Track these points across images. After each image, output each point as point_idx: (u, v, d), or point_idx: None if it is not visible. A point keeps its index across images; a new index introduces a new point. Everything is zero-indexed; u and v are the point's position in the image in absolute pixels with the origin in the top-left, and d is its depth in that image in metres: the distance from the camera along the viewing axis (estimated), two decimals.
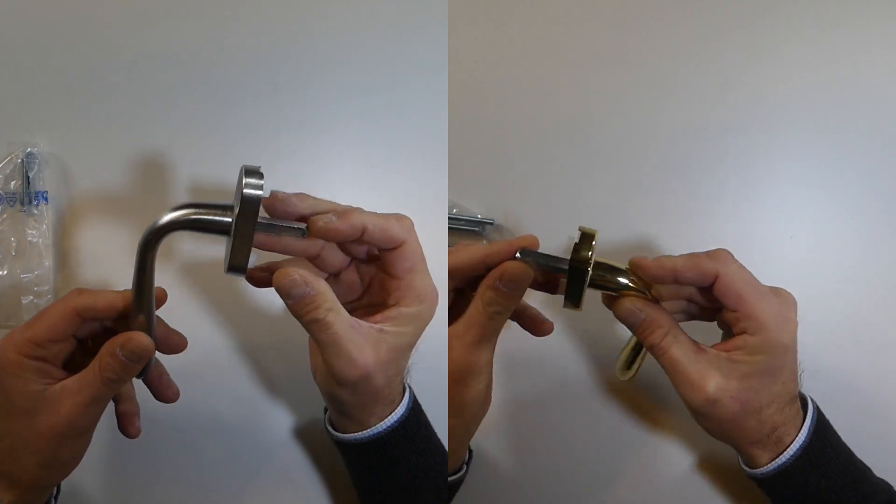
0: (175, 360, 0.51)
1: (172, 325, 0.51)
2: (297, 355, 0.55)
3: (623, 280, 0.49)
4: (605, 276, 0.48)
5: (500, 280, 0.48)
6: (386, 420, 0.50)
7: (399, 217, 0.48)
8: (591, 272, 0.47)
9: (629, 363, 0.54)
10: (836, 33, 0.61)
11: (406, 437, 0.51)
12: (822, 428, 0.51)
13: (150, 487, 0.60)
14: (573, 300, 0.48)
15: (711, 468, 0.60)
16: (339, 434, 0.52)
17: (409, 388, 0.52)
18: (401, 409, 0.50)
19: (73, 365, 0.48)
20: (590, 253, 0.47)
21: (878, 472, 0.52)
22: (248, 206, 0.44)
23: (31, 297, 0.60)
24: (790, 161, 0.61)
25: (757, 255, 0.60)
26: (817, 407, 0.51)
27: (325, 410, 0.55)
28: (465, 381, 0.50)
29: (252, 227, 0.45)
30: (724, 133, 0.61)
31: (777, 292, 0.49)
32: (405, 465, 0.52)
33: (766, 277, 0.60)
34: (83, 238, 0.61)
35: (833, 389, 0.55)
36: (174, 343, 0.51)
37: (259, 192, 0.45)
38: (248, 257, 0.45)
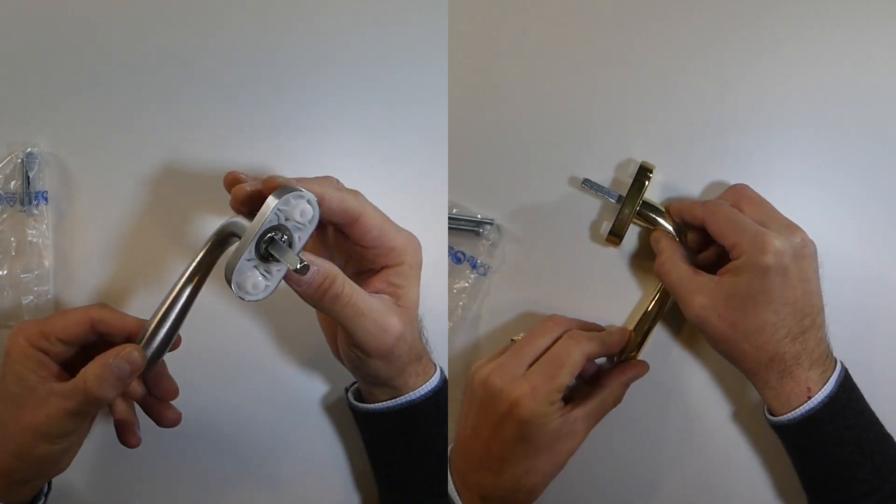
0: (192, 340, 0.51)
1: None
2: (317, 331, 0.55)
3: (659, 218, 0.58)
4: (647, 213, 0.58)
5: (631, 379, 0.58)
6: (421, 388, 0.52)
7: (353, 192, 0.49)
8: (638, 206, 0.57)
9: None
10: (836, 33, 0.61)
11: (438, 408, 0.53)
12: (850, 384, 0.54)
13: (163, 470, 0.60)
14: (619, 227, 0.58)
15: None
16: (366, 405, 0.53)
17: (438, 365, 0.54)
18: (435, 380, 0.53)
19: (74, 368, 0.48)
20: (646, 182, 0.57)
21: None
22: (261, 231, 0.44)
23: (31, 297, 0.60)
24: (790, 161, 0.61)
25: None
26: (846, 368, 0.54)
27: (347, 390, 0.56)
28: (565, 456, 0.54)
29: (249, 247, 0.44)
30: (724, 133, 0.61)
31: (790, 229, 0.53)
32: (434, 438, 0.53)
33: None
34: (83, 238, 0.61)
35: None
36: (165, 389, 0.52)
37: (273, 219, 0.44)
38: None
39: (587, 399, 0.55)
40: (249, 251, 0.44)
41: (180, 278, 0.48)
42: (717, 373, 0.62)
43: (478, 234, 0.62)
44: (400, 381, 0.51)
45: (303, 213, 0.45)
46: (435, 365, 0.54)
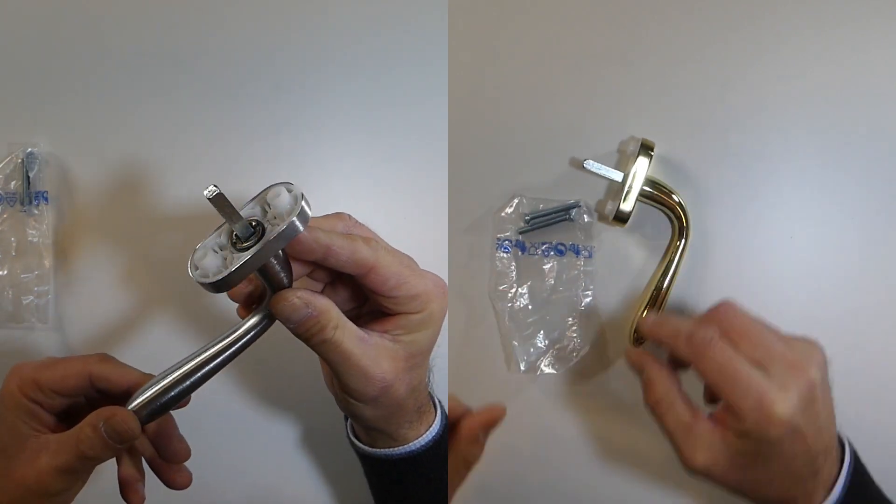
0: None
1: (175, 335, 0.49)
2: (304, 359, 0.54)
3: (662, 198, 0.58)
4: (653, 192, 0.58)
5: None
6: (421, 438, 0.49)
7: (367, 239, 0.44)
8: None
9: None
10: (836, 33, 0.61)
11: (439, 454, 0.50)
12: (860, 477, 0.50)
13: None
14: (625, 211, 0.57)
15: None
16: (367, 448, 0.50)
17: (440, 403, 0.52)
18: (435, 428, 0.50)
19: (74, 417, 0.45)
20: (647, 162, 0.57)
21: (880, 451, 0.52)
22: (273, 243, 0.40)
23: (32, 297, 0.60)
24: (790, 161, 0.61)
25: (757, 255, 0.60)
26: (854, 454, 0.50)
27: (347, 419, 0.53)
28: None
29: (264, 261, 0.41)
30: (724, 133, 0.61)
31: (794, 370, 0.46)
32: (437, 482, 0.51)
33: (767, 277, 0.60)
34: (83, 238, 0.61)
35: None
36: (175, 451, 0.49)
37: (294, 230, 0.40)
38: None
39: None
40: (218, 234, 0.42)
41: (206, 348, 0.44)
42: None
43: (571, 220, 0.60)
44: (395, 429, 0.48)
45: (279, 195, 0.40)
46: (435, 409, 0.51)
